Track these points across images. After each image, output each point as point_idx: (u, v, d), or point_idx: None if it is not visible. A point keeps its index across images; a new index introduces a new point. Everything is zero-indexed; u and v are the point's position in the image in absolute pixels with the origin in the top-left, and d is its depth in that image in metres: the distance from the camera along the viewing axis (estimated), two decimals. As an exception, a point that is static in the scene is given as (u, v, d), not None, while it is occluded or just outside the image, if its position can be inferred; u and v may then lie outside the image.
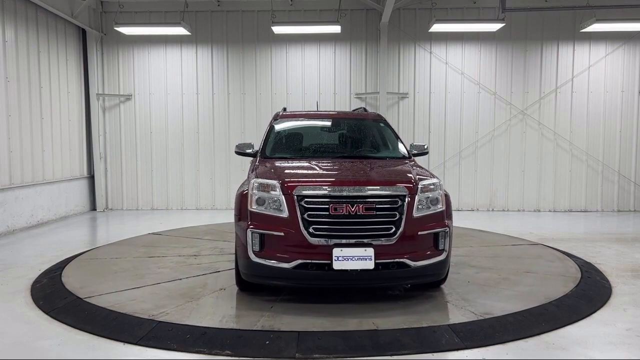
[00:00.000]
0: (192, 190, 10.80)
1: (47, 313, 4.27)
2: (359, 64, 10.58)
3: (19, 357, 3.47)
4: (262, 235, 4.13)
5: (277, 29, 9.69)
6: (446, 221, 4.38)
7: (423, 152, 5.61)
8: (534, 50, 10.46)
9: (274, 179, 4.30)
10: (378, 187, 4.20)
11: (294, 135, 5.86)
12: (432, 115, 10.60)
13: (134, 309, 4.21)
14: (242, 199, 4.42)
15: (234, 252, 5.13)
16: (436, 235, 4.27)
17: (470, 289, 4.84)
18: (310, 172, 4.63)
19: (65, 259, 6.05)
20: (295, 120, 6.04)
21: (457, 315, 4.14)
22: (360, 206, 4.08)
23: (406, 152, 5.50)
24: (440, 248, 4.28)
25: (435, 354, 3.47)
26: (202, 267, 5.60)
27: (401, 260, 4.11)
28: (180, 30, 9.72)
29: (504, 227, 8.43)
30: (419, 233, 4.20)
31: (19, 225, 8.30)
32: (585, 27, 9.53)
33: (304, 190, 4.14)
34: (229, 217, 9.26)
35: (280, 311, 4.24)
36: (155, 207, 10.84)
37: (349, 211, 4.06)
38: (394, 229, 4.12)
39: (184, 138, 10.74)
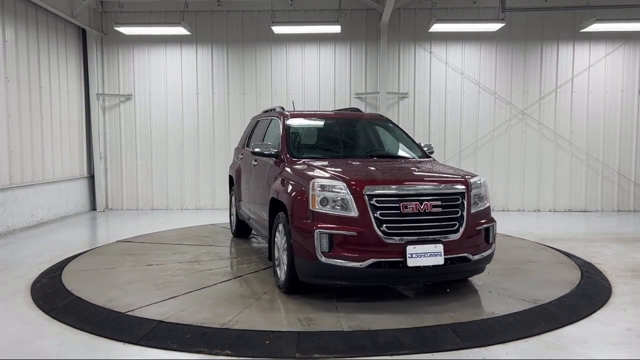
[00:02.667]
0: (192, 190, 10.80)
1: (47, 313, 4.27)
2: (359, 64, 10.58)
3: (19, 357, 3.47)
4: (331, 236, 4.07)
5: (277, 29, 9.69)
6: (491, 216, 4.67)
7: (430, 152, 5.84)
8: (534, 50, 10.46)
9: (336, 179, 4.27)
10: (442, 185, 4.35)
11: (313, 136, 5.83)
12: (432, 115, 10.60)
13: (195, 320, 3.95)
14: (297, 199, 4.34)
15: (268, 254, 5.12)
16: (487, 229, 4.50)
17: (497, 280, 5.09)
18: (365, 171, 4.60)
19: (65, 259, 6.04)
20: (309, 120, 5.96)
21: (515, 304, 4.34)
22: (428, 204, 4.19)
23: (423, 151, 5.72)
24: (490, 241, 4.52)
25: (435, 354, 3.46)
26: (218, 273, 5.35)
27: (464, 254, 4.28)
28: (180, 30, 9.72)
29: (503, 227, 8.43)
30: (476, 228, 4.40)
31: (19, 225, 8.30)
32: (585, 27, 9.53)
33: (373, 190, 4.16)
34: (227, 217, 9.23)
35: (349, 311, 4.19)
36: (155, 207, 10.84)
37: (418, 209, 4.16)
38: (457, 225, 4.28)
39: (184, 138, 10.75)
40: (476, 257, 4.37)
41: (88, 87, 10.51)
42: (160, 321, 3.94)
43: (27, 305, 4.49)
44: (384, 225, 4.09)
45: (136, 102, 10.73)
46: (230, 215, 7.64)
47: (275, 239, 4.84)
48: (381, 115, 6.46)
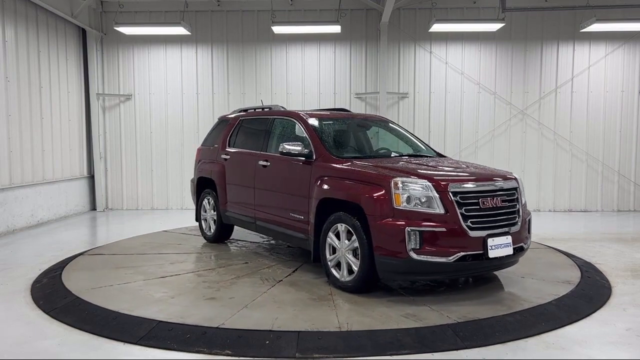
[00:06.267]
0: (192, 190, 10.79)
1: (47, 313, 4.27)
2: (359, 64, 10.58)
3: (19, 357, 3.47)
4: (422, 233, 4.18)
5: (277, 29, 9.70)
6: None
7: None
8: (534, 50, 10.46)
9: (420, 177, 4.40)
10: (505, 181, 4.70)
11: (341, 136, 5.82)
12: (432, 115, 10.60)
13: (302, 326, 3.84)
14: (378, 198, 4.35)
15: (312, 256, 5.03)
16: (529, 221, 4.91)
17: (516, 269, 5.26)
18: (434, 169, 4.75)
19: (66, 259, 6.04)
20: (329, 121, 5.85)
21: (562, 288, 4.79)
22: (499, 199, 4.52)
23: (435, 151, 6.07)
24: (530, 232, 4.93)
25: (435, 354, 3.47)
26: (253, 280, 5.06)
27: (521, 244, 4.66)
28: (180, 30, 9.73)
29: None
30: (526, 219, 4.82)
31: (19, 225, 8.30)
32: (585, 27, 9.53)
33: (458, 187, 4.37)
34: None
35: (437, 304, 4.33)
36: (155, 207, 10.84)
37: (492, 204, 4.47)
38: (517, 218, 4.65)
39: (184, 138, 10.75)
40: (526, 246, 4.77)
41: (88, 87, 10.52)
42: (160, 321, 3.94)
43: (27, 305, 4.49)
44: (469, 220, 4.30)
45: (136, 102, 10.73)
46: (201, 220, 7.13)
47: (329, 239, 4.82)
48: (375, 116, 6.57)
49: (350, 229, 4.57)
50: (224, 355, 3.46)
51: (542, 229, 8.43)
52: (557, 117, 10.52)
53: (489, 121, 10.55)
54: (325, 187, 4.89)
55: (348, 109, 6.95)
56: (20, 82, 8.43)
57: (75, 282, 5.05)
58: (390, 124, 6.36)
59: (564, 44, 10.42)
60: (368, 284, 4.57)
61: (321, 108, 7.23)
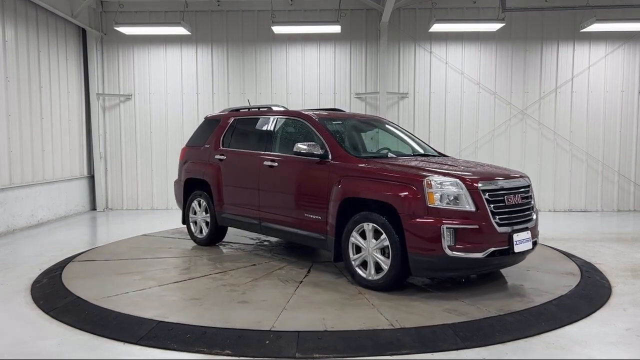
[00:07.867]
0: (192, 190, 10.79)
1: (47, 313, 4.27)
2: (359, 64, 10.58)
3: (19, 357, 3.47)
4: (456, 230, 4.29)
5: (277, 29, 9.70)
6: None
7: None
8: (534, 50, 10.46)
9: (451, 176, 4.50)
10: (522, 179, 4.90)
11: (352, 136, 5.83)
12: (432, 115, 10.60)
13: (354, 325, 3.87)
14: (411, 197, 4.42)
15: (334, 256, 5.04)
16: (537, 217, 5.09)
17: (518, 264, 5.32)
18: (456, 169, 4.86)
19: (65, 259, 6.04)
20: (336, 121, 5.82)
21: (572, 280, 5.07)
22: (519, 196, 4.73)
23: (437, 151, 6.16)
24: (538, 228, 5.09)
25: (435, 354, 3.47)
26: (272, 282, 5.01)
27: (536, 239, 4.89)
28: (180, 30, 9.73)
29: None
30: (537, 215, 5.03)
31: (19, 225, 8.30)
32: (585, 27, 9.53)
33: (487, 185, 4.52)
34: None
35: (469, 298, 4.46)
36: (155, 207, 10.84)
37: (515, 201, 4.66)
38: (532, 214, 4.88)
39: (184, 138, 10.71)
40: (537, 241, 4.97)
41: (88, 87, 10.52)
42: (160, 321, 3.94)
43: (27, 305, 4.49)
44: (497, 217, 4.46)
45: (136, 102, 10.73)
46: (190, 222, 6.91)
47: (352, 238, 4.83)
48: (374, 116, 6.62)
49: (379, 227, 4.59)
50: (224, 355, 3.46)
51: (542, 228, 8.40)
52: (557, 117, 10.52)
53: (489, 121, 10.55)
54: (350, 187, 4.88)
55: (343, 109, 6.94)
56: (20, 82, 8.43)
57: (83, 289, 4.76)
58: (387, 125, 6.40)
59: (564, 44, 10.42)
60: (399, 281, 4.64)
61: (315, 108, 7.20)
